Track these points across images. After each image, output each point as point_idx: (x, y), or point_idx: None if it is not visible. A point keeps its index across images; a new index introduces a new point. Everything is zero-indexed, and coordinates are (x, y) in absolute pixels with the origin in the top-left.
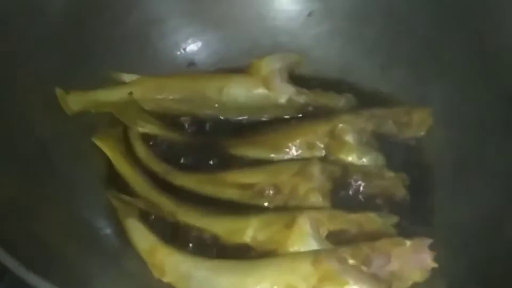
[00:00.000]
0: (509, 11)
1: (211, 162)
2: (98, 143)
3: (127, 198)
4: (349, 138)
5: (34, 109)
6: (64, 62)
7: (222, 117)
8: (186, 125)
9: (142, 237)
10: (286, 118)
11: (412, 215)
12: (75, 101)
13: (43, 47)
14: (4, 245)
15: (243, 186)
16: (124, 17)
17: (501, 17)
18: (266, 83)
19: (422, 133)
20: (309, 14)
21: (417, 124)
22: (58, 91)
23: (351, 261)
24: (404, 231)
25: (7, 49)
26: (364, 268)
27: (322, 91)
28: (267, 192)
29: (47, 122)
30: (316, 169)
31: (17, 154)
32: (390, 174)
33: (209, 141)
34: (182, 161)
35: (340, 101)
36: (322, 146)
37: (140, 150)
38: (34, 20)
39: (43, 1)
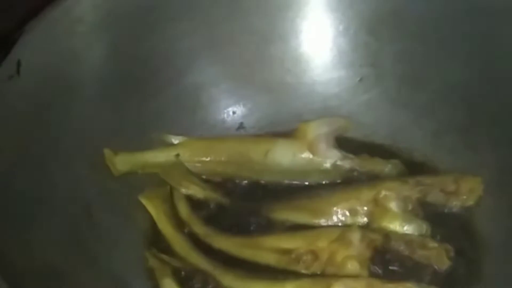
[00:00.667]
0: None
1: (251, 226)
2: (144, 201)
3: (165, 257)
4: (393, 205)
5: (80, 170)
6: (113, 123)
7: (266, 181)
8: (231, 188)
9: None
10: (330, 183)
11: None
12: (122, 162)
13: (93, 108)
14: None
15: (281, 251)
16: (175, 80)
17: None
18: (311, 148)
19: (471, 202)
20: (360, 80)
21: (465, 193)
22: (106, 152)
23: None
24: None
25: (58, 109)
26: None
27: (368, 156)
28: (304, 258)
29: (93, 183)
30: (355, 237)
31: (59, 215)
32: (434, 244)
33: (252, 205)
34: (223, 223)
35: (386, 167)
36: (364, 212)
37: (183, 211)
38: (86, 81)
39: (96, 63)
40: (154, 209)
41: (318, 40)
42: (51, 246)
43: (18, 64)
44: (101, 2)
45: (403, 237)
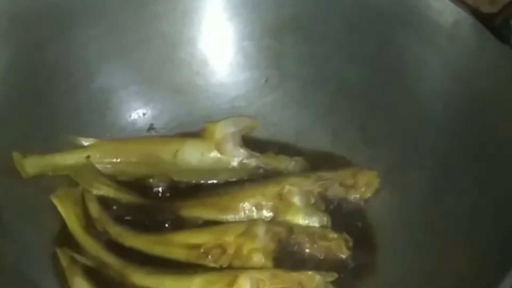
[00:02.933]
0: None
1: (163, 224)
2: (55, 201)
3: (76, 256)
4: (296, 200)
5: None
6: (23, 127)
7: (176, 180)
8: (142, 188)
9: None
10: (238, 181)
11: (355, 275)
12: (32, 165)
13: (1, 112)
14: None
15: (190, 247)
16: (85, 83)
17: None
18: (218, 147)
19: (369, 194)
20: (265, 81)
21: (363, 186)
22: (15, 155)
23: None
24: None
25: None
26: None
27: (274, 154)
28: (212, 252)
29: (1, 186)
30: (260, 230)
31: None
32: (334, 235)
33: (163, 203)
34: (135, 222)
35: (290, 164)
36: (270, 207)
37: (94, 211)
38: None
39: (4, 67)
40: (64, 209)
41: (225, 43)
42: None
43: None
44: (5, 7)
45: (306, 229)
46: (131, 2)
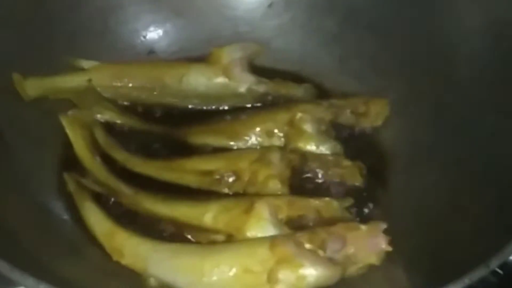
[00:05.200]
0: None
1: (170, 150)
2: (64, 122)
3: (86, 182)
4: (308, 127)
5: None
6: (22, 47)
7: (182, 106)
8: (146, 113)
9: (100, 221)
10: (246, 107)
11: (368, 202)
12: (32, 87)
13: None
14: None
15: (202, 173)
16: (83, 2)
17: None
18: (226, 72)
19: (379, 123)
20: (270, 6)
21: (374, 114)
22: (15, 76)
23: (307, 245)
24: (360, 217)
25: None
26: (320, 252)
27: (281, 81)
28: (226, 178)
29: (4, 107)
30: (275, 157)
31: None
32: (347, 162)
33: (169, 129)
34: (141, 148)
35: (299, 90)
36: (281, 134)
37: (100, 136)
38: None
39: None
40: (73, 132)
41: None
42: None
43: None
44: None
45: (319, 156)
46: None
